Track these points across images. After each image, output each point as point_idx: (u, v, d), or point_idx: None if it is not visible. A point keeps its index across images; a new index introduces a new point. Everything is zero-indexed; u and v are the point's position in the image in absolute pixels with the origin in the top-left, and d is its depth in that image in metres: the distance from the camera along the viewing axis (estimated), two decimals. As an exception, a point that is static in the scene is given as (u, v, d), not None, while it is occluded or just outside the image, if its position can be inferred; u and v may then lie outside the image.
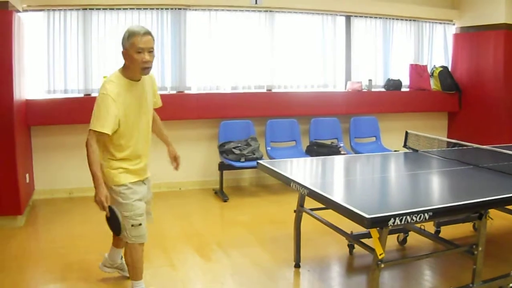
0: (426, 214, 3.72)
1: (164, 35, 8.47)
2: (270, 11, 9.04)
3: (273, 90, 9.21)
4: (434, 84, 10.53)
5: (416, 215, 3.67)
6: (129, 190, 4.30)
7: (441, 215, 4.11)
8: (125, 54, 4.16)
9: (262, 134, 8.80)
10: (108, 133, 4.08)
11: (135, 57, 4.08)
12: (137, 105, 4.31)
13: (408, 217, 3.63)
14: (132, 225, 4.31)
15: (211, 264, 5.56)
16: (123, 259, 4.77)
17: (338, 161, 6.32)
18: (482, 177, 5.22)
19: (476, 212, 4.48)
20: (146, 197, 4.57)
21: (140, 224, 4.36)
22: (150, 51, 4.15)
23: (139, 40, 4.07)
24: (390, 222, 3.56)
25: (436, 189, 4.98)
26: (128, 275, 4.75)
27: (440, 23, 10.72)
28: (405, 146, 6.54)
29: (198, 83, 8.74)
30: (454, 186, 5.05)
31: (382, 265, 3.91)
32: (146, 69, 4.18)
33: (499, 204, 4.61)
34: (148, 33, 4.14)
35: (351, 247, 5.83)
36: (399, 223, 3.60)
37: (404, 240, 6.09)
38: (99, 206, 4.12)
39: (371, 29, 10.05)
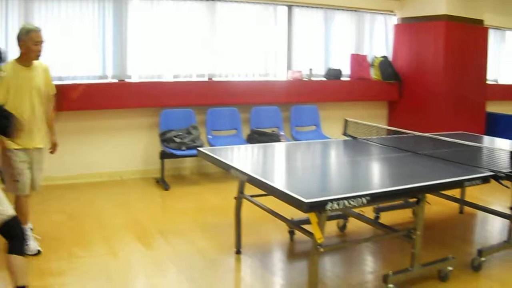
0: (363, 199, 3.78)
1: (106, 24, 8.35)
2: (212, 0, 9.02)
3: (215, 79, 9.19)
4: (374, 74, 10.67)
5: (353, 199, 3.74)
6: (13, 154, 5.19)
7: (379, 200, 4.17)
8: (23, 45, 5.15)
9: (203, 123, 8.79)
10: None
11: (32, 48, 5.15)
12: (26, 85, 5.24)
13: (345, 201, 3.69)
14: (14, 180, 5.25)
15: (153, 252, 5.55)
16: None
17: (278, 148, 6.37)
18: (419, 163, 5.33)
19: (413, 197, 4.58)
20: (33, 164, 5.39)
21: (18, 181, 5.26)
22: (41, 43, 5.23)
23: (36, 35, 5.16)
24: (328, 206, 3.61)
25: (374, 175, 5.08)
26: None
27: (381, 13, 10.87)
28: (344, 134, 6.62)
29: (139, 72, 8.66)
30: (392, 172, 5.16)
31: (322, 250, 3.96)
32: (39, 56, 5.26)
33: (436, 189, 4.74)
34: (40, 30, 5.23)
35: (291, 233, 5.91)
36: (336, 207, 3.65)
37: (344, 226, 6.18)
38: None
39: (313, 19, 10.12)
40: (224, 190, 7.63)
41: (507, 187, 4.97)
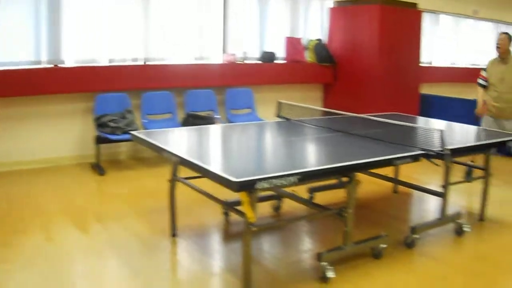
0: (294, 177, 3.83)
1: (40, 8, 8.13)
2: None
3: (149, 63, 9.13)
4: (309, 57, 10.75)
5: (283, 178, 3.77)
6: None
7: (309, 178, 4.19)
8: None
9: (139, 107, 8.75)
10: None
11: None
12: None
13: (275, 180, 3.72)
14: None
15: (90, 237, 5.50)
16: None
17: (211, 130, 6.39)
18: (351, 143, 5.40)
19: (345, 176, 4.64)
20: None
21: None
22: None
23: None
24: (258, 185, 3.64)
25: (306, 154, 5.13)
26: None
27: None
28: (278, 115, 6.67)
29: (74, 57, 8.50)
30: (324, 152, 5.22)
31: (254, 229, 4.00)
32: None
33: (366, 168, 4.81)
34: None
35: (226, 214, 5.97)
36: (266, 186, 3.69)
37: (279, 207, 6.26)
38: None
39: (248, 2, 10.14)
40: (159, 174, 7.61)
41: (437, 165, 5.10)
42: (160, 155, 4.86)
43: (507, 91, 7.62)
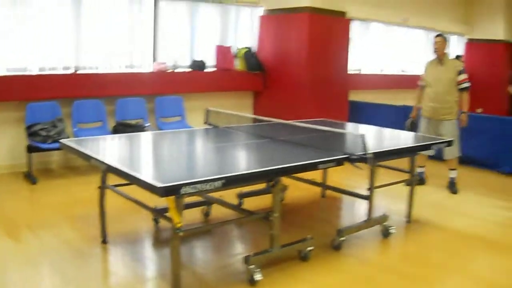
0: (218, 182, 3.95)
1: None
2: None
3: (80, 71, 9.09)
4: (239, 65, 10.86)
5: (208, 182, 3.89)
6: None
7: (234, 183, 4.29)
8: None
9: (69, 116, 8.72)
10: None
11: None
12: None
13: (200, 185, 3.83)
14: None
15: (21, 246, 5.50)
16: None
17: (139, 138, 6.48)
18: (277, 148, 5.57)
19: (270, 181, 4.77)
20: None
21: None
22: None
23: None
24: (183, 190, 3.74)
25: (232, 160, 5.27)
26: None
27: (247, 5, 11.05)
28: (206, 122, 6.76)
29: (4, 65, 8.39)
30: (250, 157, 5.38)
31: (181, 234, 4.10)
32: None
33: (290, 172, 4.97)
34: None
35: (156, 221, 6.03)
36: (191, 191, 3.79)
37: (208, 213, 6.36)
38: None
39: (178, 11, 10.20)
40: (91, 183, 7.52)
41: (360, 168, 5.23)
42: (89, 163, 4.90)
43: (443, 91, 7.80)
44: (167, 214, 4.23)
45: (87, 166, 8.69)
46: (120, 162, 4.65)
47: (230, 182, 4.12)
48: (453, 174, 8.16)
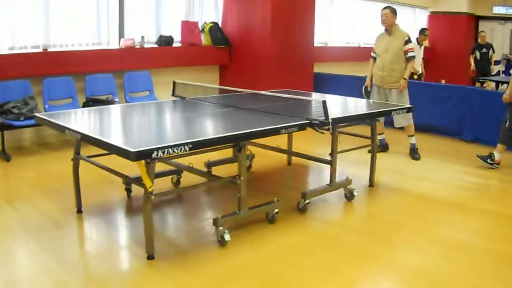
0: (186, 146, 4.20)
1: None
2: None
3: (49, 50, 9.19)
4: (205, 39, 11.02)
5: (177, 147, 4.14)
6: None
7: (200, 147, 4.54)
8: None
9: (40, 93, 8.82)
10: None
11: None
12: None
13: (170, 149, 4.10)
14: None
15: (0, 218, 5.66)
16: None
17: (110, 110, 6.66)
18: (242, 116, 5.85)
19: (235, 146, 5.02)
20: None
21: None
22: None
23: None
24: (154, 154, 3.99)
25: (199, 127, 5.53)
26: None
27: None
28: (173, 94, 6.98)
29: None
30: (216, 124, 5.64)
31: (153, 197, 4.35)
32: None
33: (253, 137, 5.11)
34: None
35: (128, 190, 6.22)
36: (162, 155, 4.04)
37: (178, 181, 6.59)
38: None
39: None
40: (64, 158, 7.62)
41: (322, 133, 5.48)
42: (64, 135, 5.09)
43: (390, 60, 8.02)
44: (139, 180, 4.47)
45: (60, 142, 8.86)
46: (93, 132, 4.90)
47: (198, 146, 4.39)
48: (412, 140, 8.43)
